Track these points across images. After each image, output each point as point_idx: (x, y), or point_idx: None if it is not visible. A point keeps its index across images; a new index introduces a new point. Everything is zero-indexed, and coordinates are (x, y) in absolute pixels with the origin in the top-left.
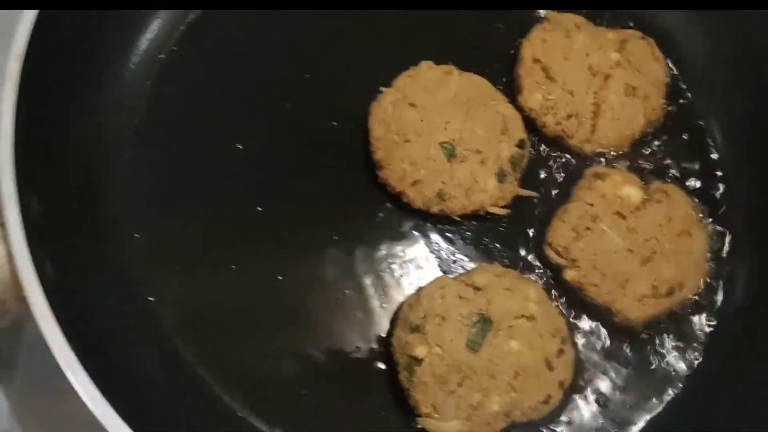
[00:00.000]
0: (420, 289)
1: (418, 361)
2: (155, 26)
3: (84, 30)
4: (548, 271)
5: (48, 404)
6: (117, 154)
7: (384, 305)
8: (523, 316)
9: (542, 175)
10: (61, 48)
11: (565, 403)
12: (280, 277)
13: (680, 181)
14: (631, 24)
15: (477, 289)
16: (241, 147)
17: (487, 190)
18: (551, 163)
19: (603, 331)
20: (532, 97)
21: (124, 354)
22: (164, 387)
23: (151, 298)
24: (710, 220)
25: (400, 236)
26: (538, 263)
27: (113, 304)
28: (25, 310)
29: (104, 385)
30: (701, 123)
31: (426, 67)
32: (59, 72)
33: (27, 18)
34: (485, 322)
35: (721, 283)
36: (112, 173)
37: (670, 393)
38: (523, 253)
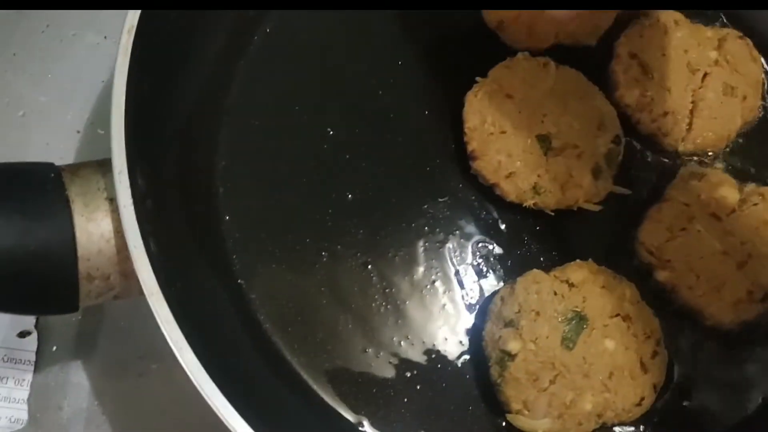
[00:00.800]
0: (514, 283)
1: (511, 356)
2: (252, 11)
3: (185, 12)
4: (639, 271)
5: (128, 386)
6: (212, 133)
7: (472, 297)
8: (618, 315)
9: (635, 173)
10: (165, 27)
11: (654, 407)
12: (369, 266)
13: None
14: (727, 23)
15: (572, 285)
16: (332, 132)
17: (582, 185)
18: (644, 161)
19: (692, 334)
20: (629, 93)
21: (220, 336)
22: (258, 372)
23: (242, 282)
24: None
25: (491, 229)
26: (629, 262)
27: (209, 287)
28: (128, 286)
29: (206, 364)
30: None
31: (523, 58)
32: (164, 51)
33: None
34: (581, 319)
35: None
36: (207, 154)
37: (758, 399)
38: (615, 251)
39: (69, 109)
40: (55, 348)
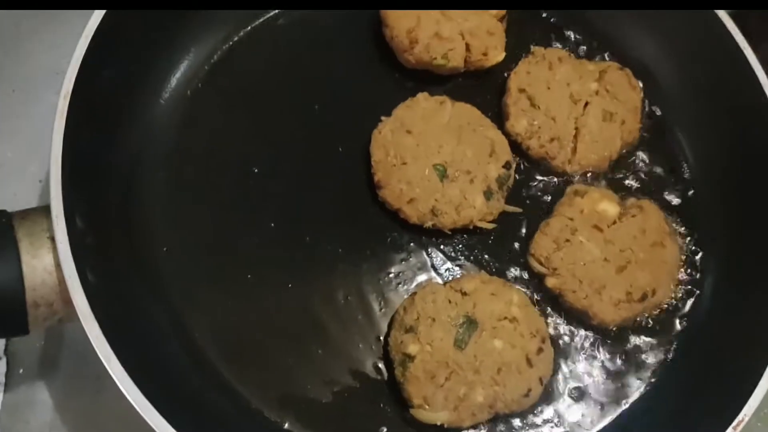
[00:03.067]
0: (414, 294)
1: (410, 357)
2: (183, 66)
3: (122, 71)
4: (532, 278)
5: (87, 401)
6: (150, 178)
7: (384, 310)
8: (506, 318)
9: (527, 193)
10: (102, 87)
11: (545, 396)
12: (290, 285)
13: (655, 198)
14: (608, 57)
15: (464, 294)
16: (257, 170)
17: (475, 206)
18: (535, 182)
19: (581, 333)
20: (518, 123)
21: (159, 356)
22: (195, 387)
23: (178, 306)
24: (682, 231)
25: (398, 248)
26: (523, 272)
27: (148, 310)
28: (70, 311)
29: (139, 380)
30: (674, 145)
31: (422, 98)
32: (101, 107)
33: (74, 61)
34: (471, 323)
35: (692, 289)
36: (145, 194)
37: (641, 389)
38: (509, 263)
39: (32, 161)
40: (21, 370)
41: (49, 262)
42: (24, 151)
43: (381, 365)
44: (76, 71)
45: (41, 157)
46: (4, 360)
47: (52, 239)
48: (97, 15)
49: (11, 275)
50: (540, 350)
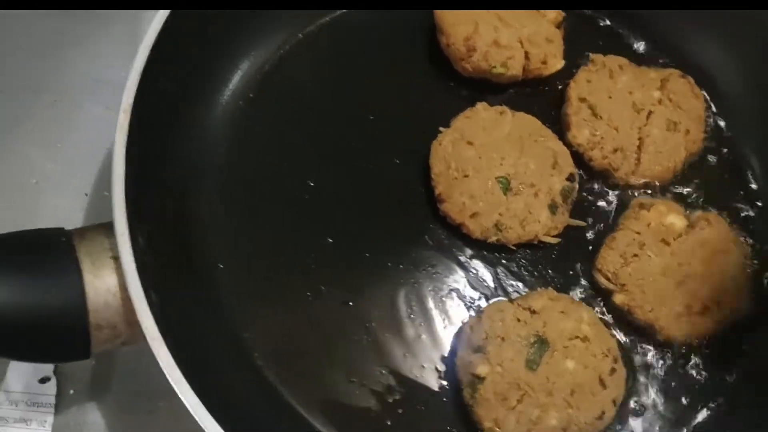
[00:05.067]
0: (480, 312)
1: (480, 379)
2: (236, 77)
3: (178, 86)
4: (597, 294)
5: (139, 422)
6: (204, 192)
7: (447, 327)
8: (577, 336)
9: (589, 206)
10: (158, 100)
11: (617, 418)
12: (351, 303)
13: (720, 210)
14: (670, 63)
15: (533, 312)
16: (312, 183)
17: (540, 220)
18: (597, 194)
19: (646, 348)
20: (581, 134)
21: (218, 374)
22: (252, 403)
23: (235, 323)
24: (750, 243)
25: (461, 264)
26: (588, 288)
27: (206, 329)
28: (134, 333)
29: (206, 401)
30: (740, 154)
31: (482, 108)
32: (157, 120)
33: (134, 74)
34: (542, 342)
35: (760, 306)
36: (198, 209)
37: (705, 410)
38: (573, 278)
39: (77, 174)
40: (72, 392)
41: (113, 283)
42: (66, 164)
43: (446, 385)
44: (136, 84)
45: (85, 169)
46: (54, 380)
47: (115, 259)
48: (155, 27)
49: (75, 298)
50: (613, 371)
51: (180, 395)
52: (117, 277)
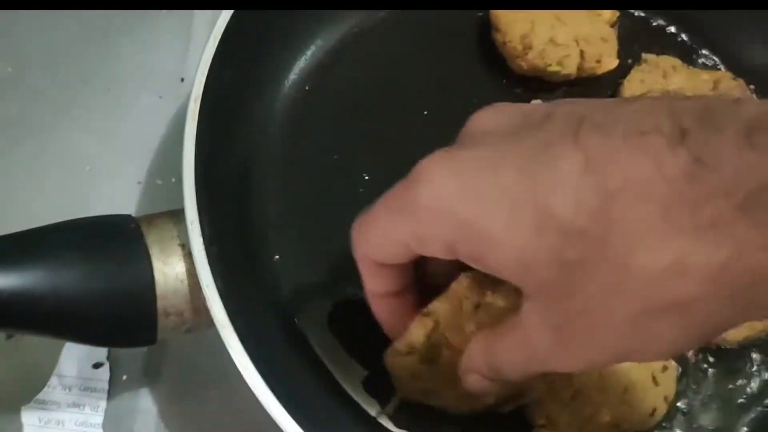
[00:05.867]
0: None
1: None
2: (296, 68)
3: (241, 73)
4: None
5: (192, 409)
6: (261, 183)
7: None
8: None
9: None
10: (223, 89)
11: (666, 416)
12: None
13: None
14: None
15: None
16: (367, 177)
17: None
18: None
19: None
20: None
21: (280, 366)
22: (311, 391)
23: (294, 317)
24: None
25: None
26: None
27: (266, 320)
28: (199, 321)
29: (273, 388)
30: None
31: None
32: (221, 110)
33: (203, 64)
34: None
35: None
36: (257, 200)
37: (757, 410)
38: None
39: (130, 162)
40: (125, 377)
41: (181, 270)
42: (120, 153)
43: None
44: (206, 73)
45: (139, 159)
46: (107, 366)
47: (182, 246)
48: (222, 22)
49: (144, 284)
50: (665, 368)
51: (248, 382)
52: (185, 264)
